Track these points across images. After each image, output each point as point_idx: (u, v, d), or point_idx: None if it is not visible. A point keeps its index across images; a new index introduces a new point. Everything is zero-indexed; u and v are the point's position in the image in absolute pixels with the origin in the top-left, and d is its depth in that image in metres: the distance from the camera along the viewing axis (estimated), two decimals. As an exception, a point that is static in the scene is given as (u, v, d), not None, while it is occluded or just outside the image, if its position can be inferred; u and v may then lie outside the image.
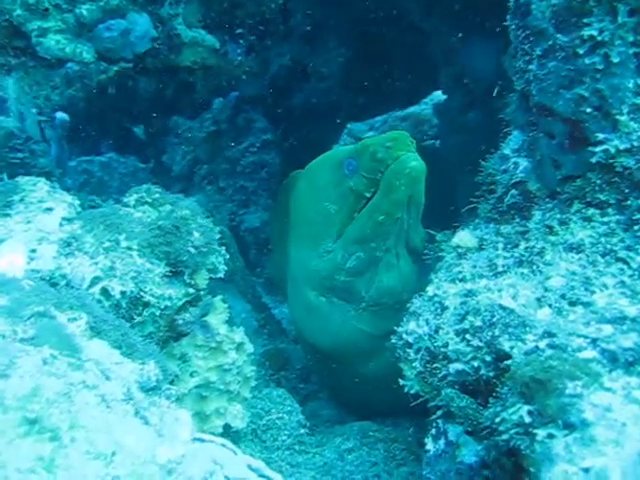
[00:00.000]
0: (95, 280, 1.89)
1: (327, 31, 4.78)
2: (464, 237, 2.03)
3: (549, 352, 1.49)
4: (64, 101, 4.84)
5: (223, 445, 1.38)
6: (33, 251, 1.90)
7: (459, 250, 2.03)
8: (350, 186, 2.68)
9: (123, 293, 1.91)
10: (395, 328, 1.88)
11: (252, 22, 2.84)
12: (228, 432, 2.43)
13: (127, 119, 5.66)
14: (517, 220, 2.00)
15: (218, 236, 2.34)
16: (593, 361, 1.43)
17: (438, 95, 5.73)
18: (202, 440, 1.37)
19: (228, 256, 2.40)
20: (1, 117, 4.36)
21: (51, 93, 3.42)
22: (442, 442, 1.81)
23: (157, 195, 2.16)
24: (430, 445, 1.85)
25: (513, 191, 2.03)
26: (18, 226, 1.98)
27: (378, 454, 2.69)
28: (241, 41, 2.89)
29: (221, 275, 2.34)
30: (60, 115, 4.93)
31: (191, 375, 2.31)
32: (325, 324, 2.86)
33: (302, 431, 2.84)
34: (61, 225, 2.00)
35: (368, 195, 2.62)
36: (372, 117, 6.28)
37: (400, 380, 1.81)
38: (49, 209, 2.05)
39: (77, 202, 2.16)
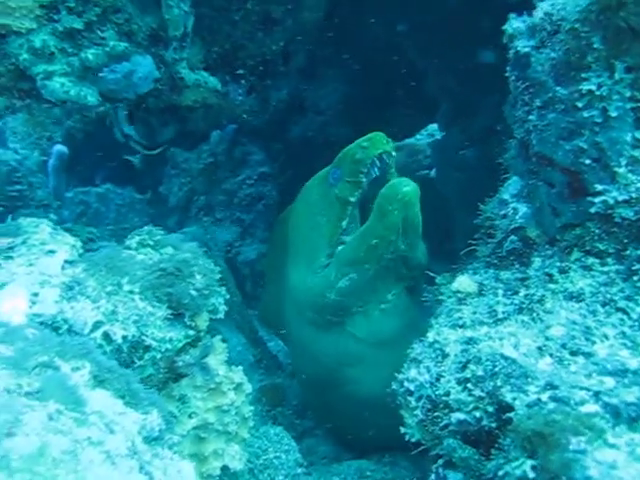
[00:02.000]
0: (97, 324, 1.89)
1: (325, 66, 4.85)
2: (464, 282, 2.05)
3: (552, 405, 1.49)
4: (63, 132, 4.87)
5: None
6: (35, 295, 1.90)
7: (459, 295, 2.04)
8: (336, 194, 2.74)
9: (125, 337, 1.91)
10: (395, 375, 1.87)
11: (253, 63, 2.88)
12: (226, 474, 2.43)
13: (125, 150, 5.68)
14: (517, 266, 2.01)
15: (219, 276, 2.35)
16: (596, 416, 1.43)
17: (434, 128, 5.80)
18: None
19: (228, 296, 2.41)
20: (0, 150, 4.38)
21: (54, 134, 3.45)
22: (443, 487, 1.80)
23: (159, 237, 2.18)
24: (431, 489, 1.84)
25: (512, 237, 2.05)
26: (20, 269, 1.98)
27: (376, 496, 2.68)
28: (242, 81, 2.93)
29: (221, 316, 2.35)
30: (58, 147, 4.96)
31: (190, 416, 2.29)
32: (322, 339, 2.90)
33: (299, 470, 2.82)
34: (63, 268, 2.01)
35: (353, 200, 2.69)
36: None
37: (401, 428, 1.81)
38: (51, 251, 2.05)
39: (79, 244, 2.16)
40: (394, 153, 2.70)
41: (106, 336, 1.89)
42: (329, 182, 2.78)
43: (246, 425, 2.50)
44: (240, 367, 2.53)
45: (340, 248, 2.73)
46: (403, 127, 5.24)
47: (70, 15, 2.24)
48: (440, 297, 2.18)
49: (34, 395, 1.27)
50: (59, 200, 4.97)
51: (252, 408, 2.54)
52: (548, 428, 1.41)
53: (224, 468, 2.38)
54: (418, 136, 6.27)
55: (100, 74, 2.34)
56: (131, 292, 1.97)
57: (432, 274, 2.39)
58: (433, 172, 5.39)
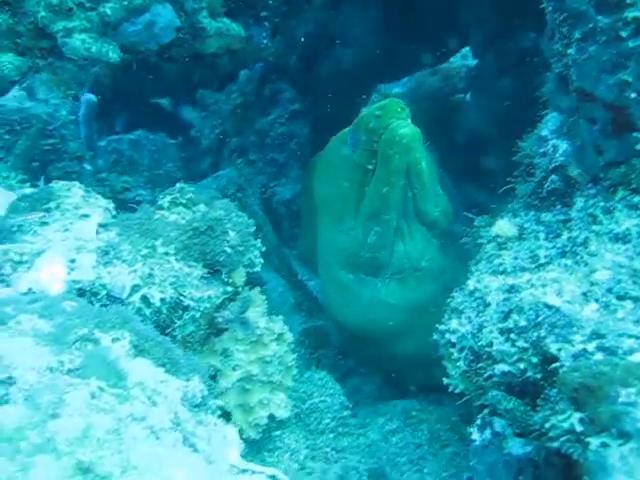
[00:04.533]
0: (135, 288, 1.89)
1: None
2: (504, 226, 1.99)
3: (599, 355, 1.46)
4: (90, 80, 4.82)
5: (273, 477, 1.38)
6: (72, 261, 1.91)
7: (499, 240, 1.98)
8: (355, 160, 2.71)
9: (163, 300, 1.91)
10: (437, 326, 1.85)
11: (276, 4, 2.78)
12: (273, 421, 2.47)
13: (153, 94, 5.63)
14: (558, 207, 1.94)
15: (253, 229, 2.34)
16: (645, 365, 1.39)
17: (467, 50, 5.58)
18: (252, 472, 1.37)
19: (264, 248, 2.40)
20: (31, 103, 4.36)
21: (79, 92, 3.40)
22: (488, 432, 1.80)
23: (190, 195, 2.15)
24: (476, 435, 1.83)
25: (553, 176, 1.97)
26: (56, 235, 1.99)
27: (422, 435, 2.70)
28: (266, 23, 2.84)
29: (258, 269, 2.35)
30: (87, 96, 4.90)
31: (233, 369, 2.32)
32: (355, 301, 2.90)
33: (345, 413, 2.85)
34: (98, 232, 2.01)
35: (371, 167, 2.65)
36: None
37: (444, 379, 1.79)
38: (85, 215, 2.05)
39: (112, 206, 2.16)
40: (409, 120, 2.62)
41: (144, 299, 1.90)
42: (348, 147, 2.73)
43: (290, 373, 2.53)
44: (280, 317, 2.54)
45: (361, 205, 2.71)
46: (434, 53, 5.08)
47: (85, -31, 2.17)
48: (480, 240, 2.13)
49: (76, 372, 1.28)
50: (92, 150, 4.96)
51: (295, 356, 2.57)
52: (595, 381, 1.37)
53: (271, 417, 2.42)
54: (452, 59, 6.06)
55: (121, 28, 2.27)
56: (166, 254, 1.97)
57: (471, 215, 2.33)
58: (468, 96, 5.22)
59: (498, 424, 1.76)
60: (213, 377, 2.31)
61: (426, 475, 2.51)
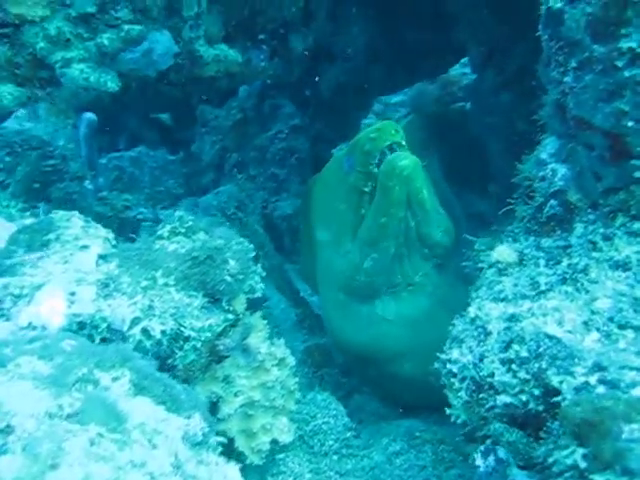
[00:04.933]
0: (135, 321, 1.89)
1: (349, 9, 4.67)
2: (503, 252, 1.98)
3: (601, 389, 1.45)
4: (94, 97, 4.83)
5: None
6: (72, 294, 1.91)
7: (499, 265, 1.98)
8: (351, 182, 2.71)
9: (163, 332, 1.91)
10: (438, 355, 1.84)
11: (274, 27, 2.78)
12: (276, 446, 2.46)
13: (153, 110, 5.65)
14: (558, 233, 1.93)
15: (253, 254, 2.34)
16: (648, 400, 1.38)
17: (467, 59, 5.58)
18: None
19: (265, 274, 2.40)
20: (31, 124, 4.37)
21: (77, 120, 3.41)
22: (492, 459, 1.79)
23: (190, 223, 2.15)
24: (480, 461, 1.82)
25: (552, 201, 1.96)
26: (56, 267, 1.99)
27: (426, 457, 2.69)
28: (264, 47, 2.84)
29: (259, 295, 2.35)
30: (87, 115, 4.91)
31: (235, 395, 2.32)
32: (353, 320, 2.92)
33: (348, 434, 2.85)
34: (98, 264, 2.00)
35: (367, 190, 2.65)
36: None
37: (446, 409, 1.79)
38: (85, 247, 2.05)
39: (111, 235, 2.16)
40: (404, 142, 2.63)
41: (145, 332, 1.90)
42: (344, 169, 2.74)
43: (292, 397, 2.52)
44: (282, 340, 2.53)
45: (359, 230, 2.71)
46: (432, 67, 5.10)
47: (82, -1, 2.18)
48: (480, 264, 2.12)
49: (75, 417, 1.28)
50: (93, 168, 4.96)
51: (297, 380, 2.56)
52: (598, 416, 1.37)
53: (273, 441, 2.41)
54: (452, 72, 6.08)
55: (118, 56, 2.28)
56: (166, 285, 1.97)
57: (470, 238, 2.32)
58: (469, 105, 5.23)
59: (502, 451, 1.75)
60: (215, 403, 2.31)
61: (430, 499, 2.50)
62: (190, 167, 5.69)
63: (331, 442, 2.78)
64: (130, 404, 1.43)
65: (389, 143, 2.60)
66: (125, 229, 4.36)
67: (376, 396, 3.35)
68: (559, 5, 1.73)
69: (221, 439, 1.57)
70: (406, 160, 2.51)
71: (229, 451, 2.28)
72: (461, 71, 5.91)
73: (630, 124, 1.65)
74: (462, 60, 5.70)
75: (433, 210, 2.68)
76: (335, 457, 2.74)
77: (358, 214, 2.70)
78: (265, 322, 2.46)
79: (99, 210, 4.33)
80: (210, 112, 5.48)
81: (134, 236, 2.15)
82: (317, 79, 4.92)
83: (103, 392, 1.42)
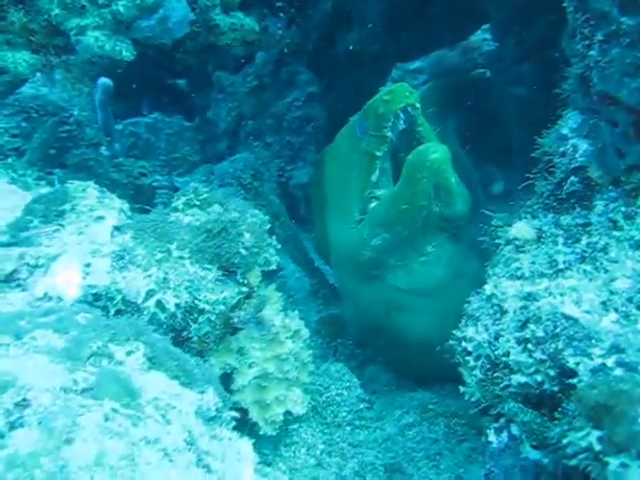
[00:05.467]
0: (150, 293, 1.89)
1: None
2: (522, 229, 1.95)
3: (618, 371, 1.43)
4: (109, 63, 4.79)
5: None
6: (87, 265, 1.91)
7: (517, 242, 1.95)
8: (363, 148, 2.68)
9: (178, 305, 1.92)
10: (453, 332, 1.83)
11: (291, -6, 2.73)
12: (289, 417, 2.48)
13: (169, 76, 5.60)
14: (578, 210, 1.90)
15: (268, 227, 2.33)
16: (666, 384, 1.36)
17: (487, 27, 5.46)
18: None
19: (279, 245, 2.39)
20: (47, 89, 4.34)
21: (92, 88, 3.39)
22: (505, 435, 1.79)
23: (205, 195, 2.14)
24: (493, 437, 1.82)
25: (573, 178, 1.92)
26: (71, 238, 1.99)
27: (439, 430, 2.69)
28: (281, 14, 2.79)
29: (274, 267, 2.34)
30: (103, 80, 4.88)
31: (249, 366, 2.33)
32: (365, 290, 2.91)
33: (361, 406, 2.86)
34: (113, 236, 2.00)
35: (379, 154, 2.62)
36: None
37: (460, 387, 1.78)
38: (100, 218, 2.05)
39: (126, 206, 2.15)
40: (418, 105, 2.58)
41: (159, 304, 1.90)
42: (357, 135, 2.69)
43: (306, 370, 2.54)
44: (296, 312, 2.54)
45: (372, 206, 2.67)
46: (452, 34, 5.00)
47: (97, -36, 2.14)
48: (497, 240, 2.09)
49: (89, 392, 1.28)
50: (109, 134, 4.94)
51: (311, 352, 2.57)
52: (614, 399, 1.35)
53: (287, 413, 2.43)
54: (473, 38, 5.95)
55: (134, 24, 2.24)
56: (181, 257, 1.97)
57: (488, 212, 2.29)
58: (489, 72, 5.13)
59: (515, 428, 1.74)
60: (229, 375, 2.33)
61: (442, 471, 2.51)
62: (206, 134, 5.65)
63: (344, 413, 2.79)
64: (144, 378, 1.44)
65: (403, 105, 2.56)
66: (141, 196, 4.37)
67: (390, 367, 3.36)
68: (586, -24, 1.67)
69: (235, 414, 1.58)
70: (437, 153, 2.45)
71: (243, 422, 2.31)
72: (482, 37, 5.79)
73: (656, 100, 1.61)
74: (483, 26, 5.59)
75: (457, 189, 2.64)
76: (348, 428, 2.76)
77: (368, 180, 2.66)
78: (280, 294, 2.46)
79: (115, 177, 4.32)
80: (226, 78, 5.42)
81: (149, 207, 2.14)
82: (335, 45, 4.84)
83: (117, 366, 1.42)
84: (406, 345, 2.94)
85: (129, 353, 1.49)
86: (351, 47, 4.89)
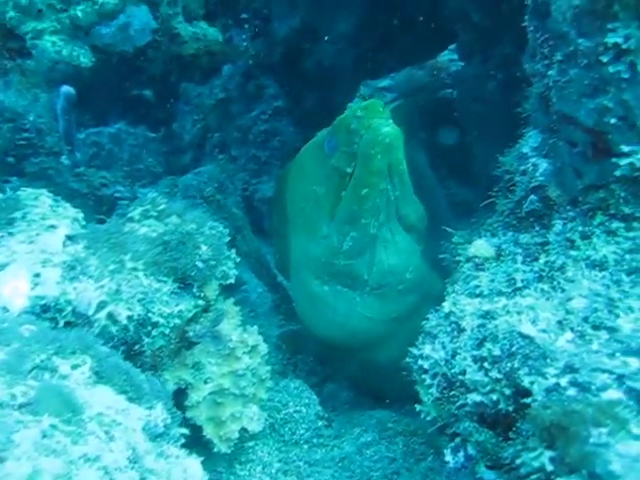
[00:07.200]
0: (101, 305, 1.84)
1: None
2: (481, 247, 1.95)
3: (571, 391, 1.42)
4: (70, 70, 4.71)
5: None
6: (37, 275, 1.85)
7: (476, 260, 1.95)
8: (332, 164, 2.62)
9: (130, 317, 1.86)
10: (410, 350, 1.81)
11: (257, 6, 2.71)
12: (245, 434, 2.43)
13: (135, 86, 5.53)
14: (537, 229, 1.90)
15: (227, 239, 2.29)
16: (619, 404, 1.35)
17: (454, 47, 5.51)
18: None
19: (239, 259, 2.35)
20: (1, 95, 4.24)
21: (50, 93, 3.32)
22: (461, 455, 1.77)
23: (163, 206, 2.10)
24: (449, 457, 1.80)
25: (532, 196, 1.93)
26: (21, 247, 1.93)
27: (397, 449, 2.66)
28: (246, 26, 2.77)
29: (232, 281, 2.30)
30: (65, 88, 4.79)
31: (205, 382, 2.28)
32: (331, 314, 2.81)
33: (320, 423, 2.82)
34: (65, 245, 1.95)
35: (349, 170, 2.54)
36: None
37: (417, 406, 1.76)
38: (52, 227, 1.99)
39: (81, 215, 2.10)
40: (390, 120, 2.55)
41: (111, 316, 1.85)
42: (325, 151, 2.64)
43: (264, 386, 2.50)
44: (255, 327, 2.50)
45: (337, 209, 2.61)
46: (419, 53, 5.04)
47: (56, -32, 2.10)
48: (458, 258, 2.09)
49: (28, 407, 1.23)
50: (70, 143, 4.85)
51: (269, 368, 2.53)
52: (567, 419, 1.34)
53: (242, 430, 2.38)
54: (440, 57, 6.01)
55: (93, 30, 2.20)
56: (135, 269, 1.92)
57: (449, 230, 2.29)
58: (455, 93, 5.17)
59: (471, 448, 1.73)
60: (184, 390, 2.27)
61: (400, 491, 2.48)
62: (171, 145, 5.59)
63: (302, 431, 2.75)
64: (89, 393, 1.39)
65: (375, 121, 2.50)
66: (101, 207, 4.29)
67: (350, 384, 3.33)
68: (546, -5, 1.68)
69: (184, 430, 1.53)
70: (388, 127, 2.43)
71: (197, 439, 2.25)
72: (450, 57, 5.85)
73: (613, 121, 1.61)
74: (451, 46, 5.64)
75: (411, 190, 2.62)
76: (305, 446, 2.72)
77: (338, 197, 2.59)
78: (238, 309, 2.42)
79: (75, 187, 4.23)
80: (193, 90, 5.39)
81: (104, 217, 2.08)
82: (303, 60, 4.83)
83: (61, 380, 1.37)
84: (368, 365, 2.92)
85: (75, 367, 1.44)
86: (319, 62, 4.89)
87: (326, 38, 4.72)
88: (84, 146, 5.18)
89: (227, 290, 2.41)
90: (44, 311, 1.81)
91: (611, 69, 1.57)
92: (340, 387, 3.36)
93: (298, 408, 2.79)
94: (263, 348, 2.48)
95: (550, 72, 1.71)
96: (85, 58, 2.18)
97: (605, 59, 1.57)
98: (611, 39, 1.54)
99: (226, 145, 5.26)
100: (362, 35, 4.78)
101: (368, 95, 6.56)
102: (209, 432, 2.31)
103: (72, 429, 1.21)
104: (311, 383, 3.15)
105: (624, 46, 1.53)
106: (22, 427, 1.16)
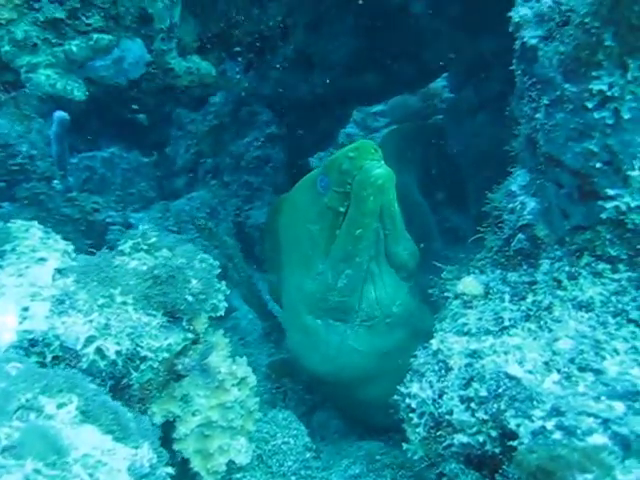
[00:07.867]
0: (90, 339, 1.84)
1: (331, 21, 4.64)
2: (469, 284, 1.96)
3: (557, 435, 1.43)
4: (64, 97, 4.73)
5: None
6: (25, 309, 1.85)
7: (464, 297, 1.96)
8: (325, 203, 2.64)
9: (118, 352, 1.86)
10: (398, 388, 1.81)
11: (250, 40, 2.74)
12: (233, 467, 2.42)
13: (128, 110, 5.56)
14: (524, 267, 1.92)
15: (218, 271, 2.29)
16: (604, 450, 1.36)
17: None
18: None
19: (229, 291, 2.35)
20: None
21: (43, 125, 3.34)
22: (448, 493, 1.77)
23: (154, 239, 2.10)
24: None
25: (520, 235, 1.95)
26: (10, 280, 1.93)
27: (385, 482, 2.66)
28: (239, 59, 2.80)
29: (221, 313, 2.30)
30: (59, 113, 4.82)
31: (193, 414, 2.27)
32: (323, 347, 2.83)
33: (308, 455, 2.80)
34: (54, 279, 1.95)
35: (343, 210, 2.58)
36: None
37: (403, 444, 1.76)
38: (42, 259, 1.99)
39: (71, 248, 2.10)
40: (382, 162, 2.57)
41: (99, 351, 1.84)
42: (318, 189, 2.67)
43: (252, 418, 2.48)
44: (244, 359, 2.49)
45: (332, 247, 2.64)
46: (412, 83, 5.08)
47: (51, 3, 2.12)
48: (446, 294, 2.10)
49: (12, 451, 1.23)
50: (63, 168, 4.86)
51: (257, 400, 2.52)
52: (553, 464, 1.35)
53: (230, 462, 2.37)
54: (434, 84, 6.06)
55: (88, 63, 2.22)
56: (124, 303, 1.92)
57: (439, 265, 2.30)
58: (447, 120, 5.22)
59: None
60: (172, 422, 2.27)
61: (387, 526, 2.47)
62: (163, 170, 5.62)
63: (290, 463, 2.74)
64: (74, 433, 1.38)
65: (367, 162, 2.52)
66: (92, 232, 4.29)
67: (339, 413, 3.32)
68: (534, 42, 1.71)
69: (170, 470, 1.53)
70: (380, 169, 2.46)
71: (184, 471, 2.24)
72: (442, 84, 5.91)
73: (598, 165, 1.64)
74: (444, 74, 5.71)
75: (402, 228, 2.65)
76: (293, 478, 2.70)
77: (332, 235, 2.62)
78: (227, 341, 2.41)
79: (67, 212, 4.24)
80: (186, 116, 5.42)
81: (95, 243, 2.08)
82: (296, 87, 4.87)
83: (46, 420, 1.37)
84: (358, 399, 2.92)
85: (61, 406, 1.44)
86: (313, 89, 4.93)
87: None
88: (77, 170, 5.20)
89: (217, 319, 2.41)
90: (32, 345, 1.80)
91: (596, 115, 1.60)
92: (329, 416, 3.36)
93: (286, 439, 2.78)
94: (252, 380, 2.47)
95: (537, 115, 1.73)
96: (79, 92, 2.19)
97: (590, 105, 1.60)
98: (596, 86, 1.57)
99: (219, 171, 5.29)
100: (356, 62, 4.83)
101: (361, 120, 6.63)
102: (197, 465, 2.30)
103: (56, 473, 1.20)
104: (300, 412, 3.15)
105: (608, 93, 1.57)
106: (5, 472, 1.16)
